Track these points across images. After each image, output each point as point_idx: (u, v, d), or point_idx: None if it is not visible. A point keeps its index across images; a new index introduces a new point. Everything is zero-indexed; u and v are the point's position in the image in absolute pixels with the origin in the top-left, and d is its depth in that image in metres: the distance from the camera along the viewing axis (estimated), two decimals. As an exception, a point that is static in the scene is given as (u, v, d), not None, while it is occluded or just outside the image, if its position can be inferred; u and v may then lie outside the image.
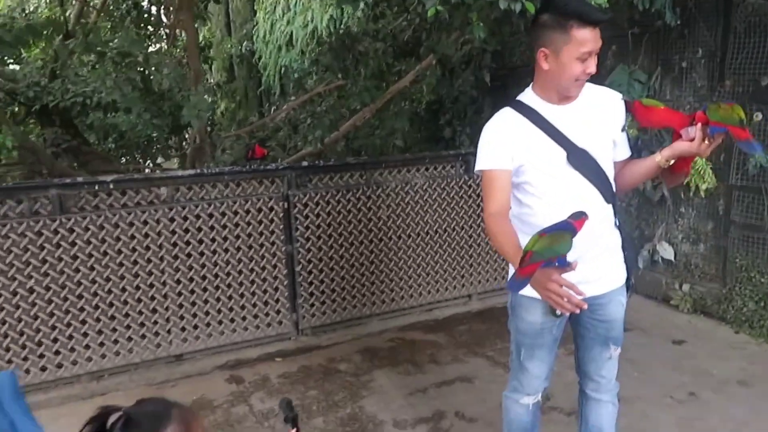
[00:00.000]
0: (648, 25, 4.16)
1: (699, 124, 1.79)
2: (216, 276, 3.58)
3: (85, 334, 3.30)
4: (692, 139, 1.81)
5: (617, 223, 2.04)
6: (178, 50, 6.35)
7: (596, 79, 1.95)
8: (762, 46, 3.62)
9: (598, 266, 1.97)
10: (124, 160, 6.24)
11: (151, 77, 4.42)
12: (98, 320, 3.32)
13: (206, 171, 3.57)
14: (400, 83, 4.65)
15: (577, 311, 1.59)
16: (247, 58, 9.81)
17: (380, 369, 3.53)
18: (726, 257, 3.97)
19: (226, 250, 3.59)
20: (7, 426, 1.04)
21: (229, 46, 10.45)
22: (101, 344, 3.34)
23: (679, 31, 4.09)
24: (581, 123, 1.91)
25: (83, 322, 3.29)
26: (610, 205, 1.96)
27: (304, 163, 4.13)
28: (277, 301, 3.78)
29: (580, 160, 1.89)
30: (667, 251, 4.31)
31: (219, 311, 3.62)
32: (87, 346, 3.31)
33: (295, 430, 1.65)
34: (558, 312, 1.98)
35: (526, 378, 2.11)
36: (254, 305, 3.72)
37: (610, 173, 1.96)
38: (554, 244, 1.56)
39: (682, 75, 4.18)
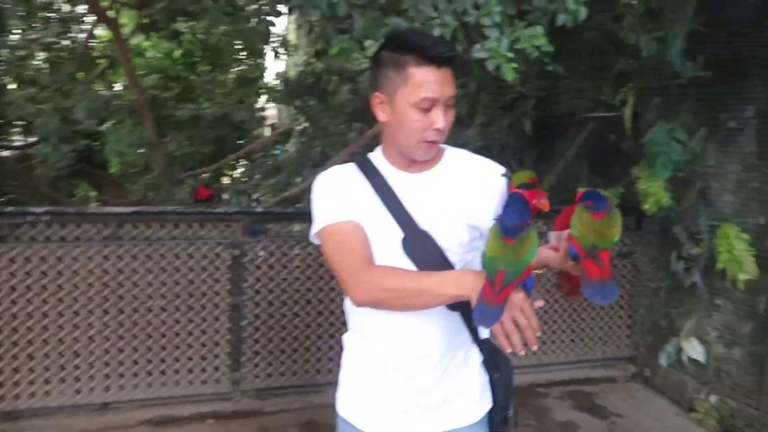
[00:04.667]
0: (695, 76, 3.44)
1: (565, 232, 1.24)
2: (149, 323, 3.31)
3: (0, 372, 3.14)
4: (557, 248, 1.28)
5: (477, 336, 1.49)
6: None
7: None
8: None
9: (437, 393, 1.44)
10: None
11: (73, 107, 4.32)
12: (15, 357, 3.14)
13: (147, 209, 3.35)
14: (376, 127, 4.22)
15: (522, 352, 1.18)
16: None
17: (309, 452, 3.07)
18: (764, 370, 3.13)
19: (163, 296, 3.31)
20: None
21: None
22: (16, 383, 3.15)
23: (729, 85, 3.39)
24: (433, 198, 1.42)
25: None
26: (458, 312, 1.44)
27: (259, 209, 3.79)
28: (216, 356, 3.44)
29: (417, 246, 1.40)
30: (696, 350, 3.50)
31: (149, 361, 3.33)
32: (1, 385, 3.14)
33: None
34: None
35: None
36: (189, 358, 3.39)
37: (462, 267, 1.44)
38: (522, 253, 1.14)
39: (728, 137, 3.44)
